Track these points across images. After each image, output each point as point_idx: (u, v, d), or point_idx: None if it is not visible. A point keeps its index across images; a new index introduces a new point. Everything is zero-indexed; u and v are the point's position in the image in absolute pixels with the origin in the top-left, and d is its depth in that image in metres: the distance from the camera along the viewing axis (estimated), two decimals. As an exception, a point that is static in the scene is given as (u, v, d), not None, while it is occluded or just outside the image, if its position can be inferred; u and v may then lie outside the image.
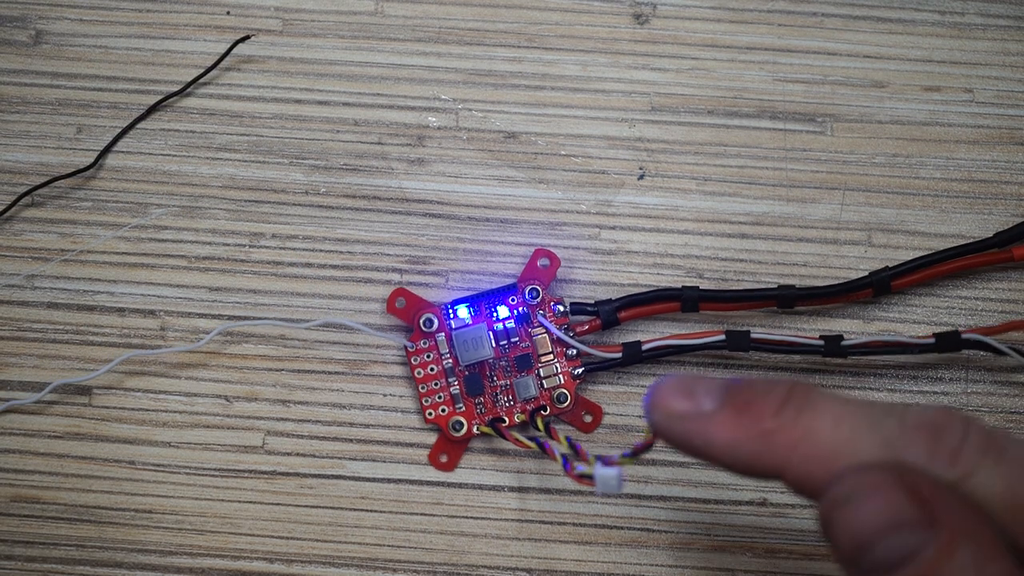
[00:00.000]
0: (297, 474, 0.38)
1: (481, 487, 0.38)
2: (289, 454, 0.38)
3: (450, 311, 0.38)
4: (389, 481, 0.38)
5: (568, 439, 0.35)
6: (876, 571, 0.24)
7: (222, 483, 0.38)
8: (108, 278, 0.39)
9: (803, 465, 0.26)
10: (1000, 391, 0.38)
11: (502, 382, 0.38)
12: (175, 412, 0.38)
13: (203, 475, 0.38)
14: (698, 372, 0.38)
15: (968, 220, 0.40)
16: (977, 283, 0.39)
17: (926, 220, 0.40)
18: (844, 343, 0.37)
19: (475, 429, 0.38)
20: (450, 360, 0.38)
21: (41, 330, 0.39)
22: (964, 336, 0.37)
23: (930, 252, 0.38)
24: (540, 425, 0.37)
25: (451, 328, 0.38)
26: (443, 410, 0.38)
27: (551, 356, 0.38)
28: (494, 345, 0.38)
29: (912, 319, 0.39)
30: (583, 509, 0.38)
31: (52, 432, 0.38)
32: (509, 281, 0.38)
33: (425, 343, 0.38)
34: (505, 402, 0.38)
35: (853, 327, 0.39)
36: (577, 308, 0.38)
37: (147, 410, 0.38)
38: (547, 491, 0.38)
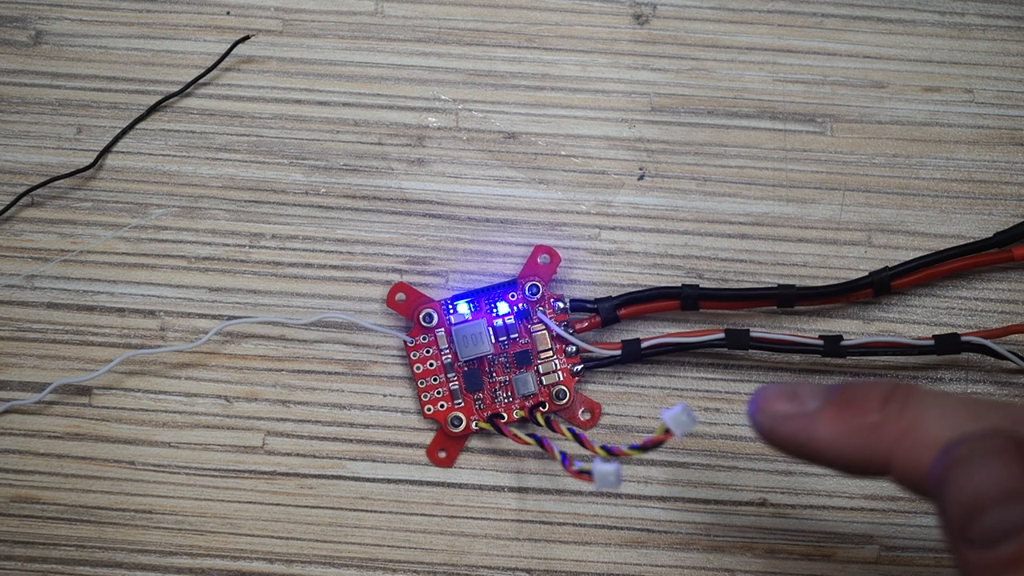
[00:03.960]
0: (297, 474, 0.38)
1: (481, 487, 0.38)
2: (289, 454, 0.38)
3: (450, 307, 0.38)
4: (389, 481, 0.38)
5: (571, 429, 0.35)
6: (982, 541, 0.24)
7: (222, 483, 0.38)
8: (108, 278, 0.39)
9: (910, 455, 0.26)
10: (1000, 392, 0.38)
11: (501, 378, 0.38)
12: (175, 412, 0.38)
13: (203, 475, 0.38)
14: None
15: (968, 220, 0.40)
16: (977, 283, 0.39)
17: (926, 220, 0.40)
18: (843, 343, 0.37)
19: (474, 425, 0.38)
20: (449, 356, 0.38)
21: (41, 330, 0.39)
22: (964, 339, 0.37)
23: (930, 252, 0.38)
24: (541, 420, 0.37)
25: (451, 324, 0.38)
26: (442, 405, 0.38)
27: (550, 353, 0.38)
28: (493, 341, 0.38)
29: (912, 319, 0.39)
30: (583, 509, 0.38)
31: (52, 432, 0.38)
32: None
33: (425, 338, 0.38)
34: (504, 398, 0.38)
35: (853, 327, 0.39)
36: (577, 305, 0.38)
37: (147, 410, 0.38)
38: (547, 491, 0.38)
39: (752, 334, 0.37)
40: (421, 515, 0.38)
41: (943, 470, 0.25)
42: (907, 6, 0.41)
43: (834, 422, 0.27)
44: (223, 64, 0.41)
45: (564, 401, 0.38)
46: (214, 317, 0.39)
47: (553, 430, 0.36)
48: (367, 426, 0.38)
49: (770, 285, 0.38)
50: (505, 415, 0.38)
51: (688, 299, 0.38)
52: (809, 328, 0.39)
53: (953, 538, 0.25)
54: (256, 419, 0.38)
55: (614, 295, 0.38)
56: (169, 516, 0.38)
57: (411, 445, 0.38)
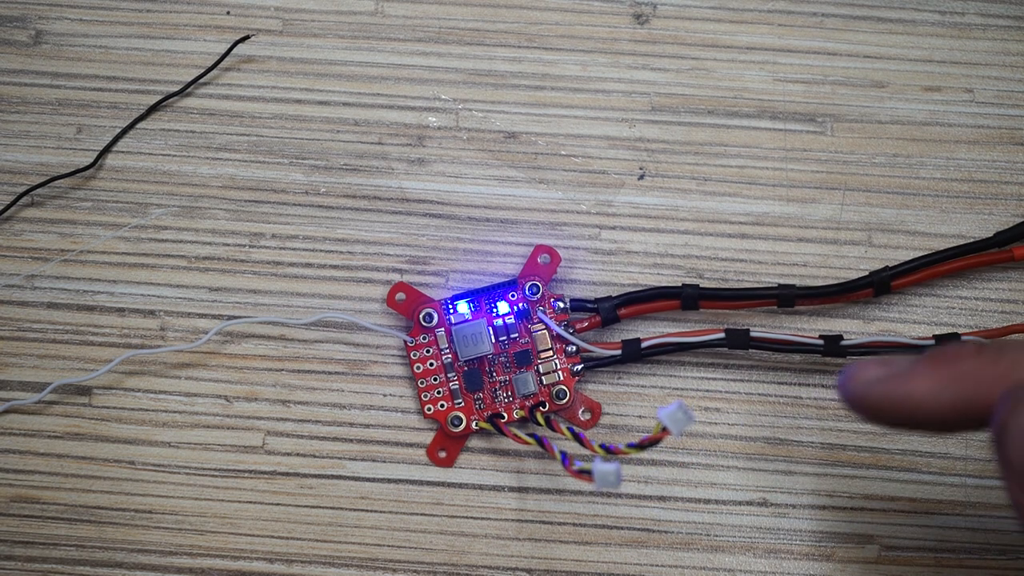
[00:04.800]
0: (297, 474, 0.38)
1: (481, 487, 0.38)
2: (289, 454, 0.38)
3: (450, 306, 0.38)
4: (389, 481, 0.38)
5: (571, 429, 0.35)
6: None
7: (222, 483, 0.38)
8: (108, 278, 0.39)
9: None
10: (1000, 391, 0.38)
11: (501, 378, 0.38)
12: (175, 412, 0.38)
13: (203, 475, 0.38)
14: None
15: (968, 220, 0.40)
16: (977, 283, 0.39)
17: (926, 220, 0.40)
18: (843, 343, 0.37)
19: (474, 425, 0.38)
20: (449, 355, 0.38)
21: (41, 330, 0.39)
22: (964, 338, 0.37)
23: (930, 252, 0.38)
24: (540, 419, 0.37)
25: (451, 323, 0.38)
26: (442, 405, 0.38)
27: (550, 352, 0.38)
28: (494, 341, 0.38)
29: (912, 319, 0.39)
30: (583, 509, 0.38)
31: (52, 432, 0.38)
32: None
33: (425, 338, 0.38)
34: (504, 398, 0.38)
35: (853, 327, 0.39)
36: (577, 305, 0.38)
37: (147, 410, 0.38)
38: (547, 491, 0.38)
39: (752, 334, 0.37)
40: (421, 515, 0.38)
41: (1005, 412, 0.24)
42: (907, 6, 0.41)
43: (930, 374, 0.26)
44: (223, 64, 0.41)
45: (564, 401, 0.38)
46: (214, 317, 0.39)
47: (553, 430, 0.36)
48: (367, 426, 0.38)
49: (770, 285, 0.38)
50: (505, 415, 0.38)
51: (688, 299, 0.38)
52: (809, 328, 0.39)
53: (1012, 482, 0.24)
54: (256, 419, 0.38)
55: (614, 295, 0.38)
56: (169, 516, 0.38)
57: (411, 445, 0.38)
